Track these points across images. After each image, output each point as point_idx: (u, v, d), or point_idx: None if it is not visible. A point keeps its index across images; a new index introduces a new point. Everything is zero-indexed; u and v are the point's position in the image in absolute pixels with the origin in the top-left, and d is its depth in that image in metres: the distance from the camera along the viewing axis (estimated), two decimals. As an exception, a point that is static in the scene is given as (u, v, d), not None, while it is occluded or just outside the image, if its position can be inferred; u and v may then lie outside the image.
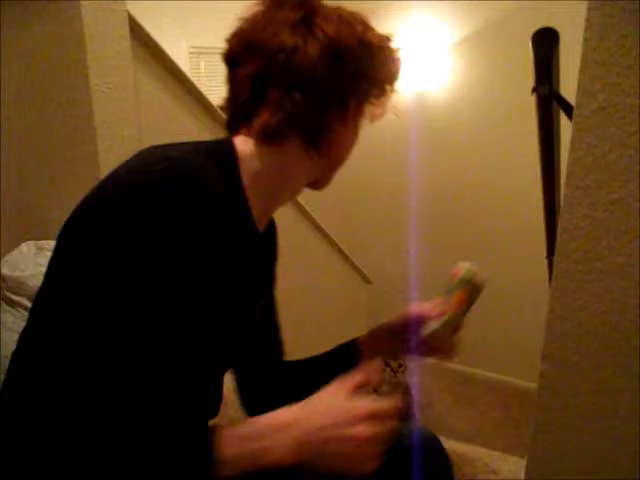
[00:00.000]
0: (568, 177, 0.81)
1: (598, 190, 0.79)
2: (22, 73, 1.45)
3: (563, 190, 0.83)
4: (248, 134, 0.76)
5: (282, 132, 0.73)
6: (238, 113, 0.78)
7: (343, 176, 3.36)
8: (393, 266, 3.88)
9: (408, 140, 3.63)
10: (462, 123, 3.50)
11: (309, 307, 2.82)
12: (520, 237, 3.27)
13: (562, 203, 0.83)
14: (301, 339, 2.74)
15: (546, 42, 0.87)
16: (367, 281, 3.53)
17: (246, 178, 0.73)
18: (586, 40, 0.75)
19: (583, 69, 0.76)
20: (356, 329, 3.52)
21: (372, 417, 0.61)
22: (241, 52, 0.76)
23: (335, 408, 0.62)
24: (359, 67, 0.75)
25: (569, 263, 0.84)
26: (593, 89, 0.76)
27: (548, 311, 0.89)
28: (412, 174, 3.62)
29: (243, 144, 0.75)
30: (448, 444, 1.37)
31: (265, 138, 0.74)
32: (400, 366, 2.64)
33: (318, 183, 0.85)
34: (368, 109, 0.84)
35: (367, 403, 0.63)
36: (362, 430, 0.60)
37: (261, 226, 0.80)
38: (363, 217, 4.06)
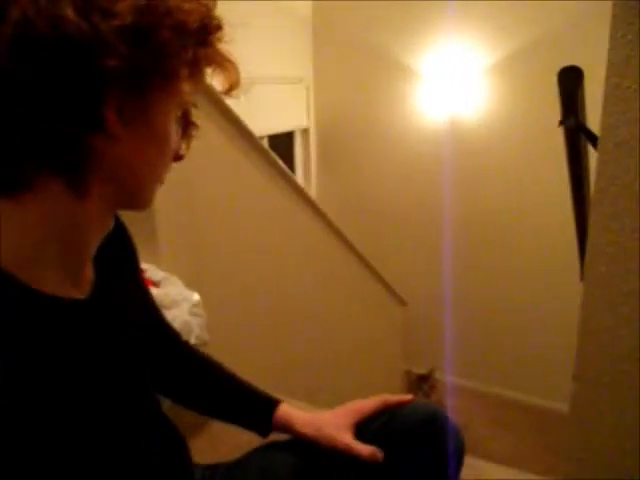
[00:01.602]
0: (594, 205, 0.85)
1: (623, 218, 0.83)
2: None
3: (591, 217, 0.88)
4: None
5: (19, 176, 0.48)
6: None
7: (378, 199, 3.44)
8: (428, 288, 3.90)
9: (442, 163, 3.68)
10: (495, 147, 3.53)
11: (347, 331, 2.87)
12: (555, 261, 3.26)
13: (589, 229, 0.88)
14: (339, 362, 2.78)
15: (571, 79, 0.92)
16: (403, 303, 3.56)
17: (14, 261, 0.49)
18: (608, 78, 0.80)
19: (606, 105, 0.80)
20: (393, 350, 3.55)
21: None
22: None
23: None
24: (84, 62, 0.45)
25: (596, 287, 0.88)
26: (616, 124, 0.80)
27: (578, 333, 0.93)
28: (446, 196, 3.66)
29: None
30: (484, 466, 1.39)
31: (0, 192, 0.49)
32: (432, 387, 2.66)
33: (132, 206, 0.61)
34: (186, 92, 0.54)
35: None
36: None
37: (84, 283, 0.59)
38: (398, 240, 4.10)
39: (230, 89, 0.59)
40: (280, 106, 3.81)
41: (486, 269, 3.71)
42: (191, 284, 1.47)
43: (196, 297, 1.38)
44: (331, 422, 0.86)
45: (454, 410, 3.09)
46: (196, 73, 0.53)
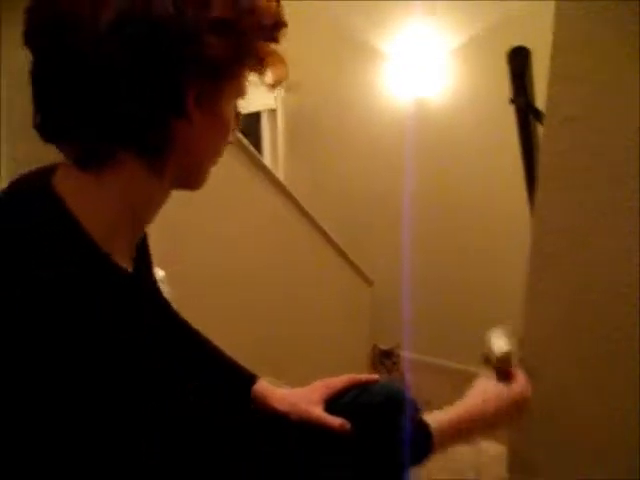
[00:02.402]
0: (540, 180, 0.90)
1: (566, 192, 0.88)
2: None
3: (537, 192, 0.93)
4: (65, 158, 0.56)
5: (104, 152, 0.53)
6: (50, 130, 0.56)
7: (345, 179, 3.46)
8: (394, 266, 3.96)
9: (406, 143, 3.71)
10: (459, 128, 3.58)
11: (311, 308, 2.91)
12: (517, 239, 3.34)
13: (536, 204, 0.93)
14: (306, 339, 2.83)
15: (519, 59, 0.96)
16: (369, 282, 3.62)
17: (97, 232, 0.53)
18: (553, 57, 0.84)
19: (551, 84, 0.85)
20: (359, 327, 3.61)
21: (528, 391, 0.90)
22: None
23: (509, 396, 0.89)
24: (186, 43, 0.50)
25: (542, 258, 0.93)
26: (560, 101, 0.85)
27: (525, 303, 0.98)
28: (411, 177, 3.71)
29: (66, 182, 0.54)
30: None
31: (85, 166, 0.54)
32: (395, 364, 2.73)
33: (187, 186, 0.66)
34: (246, 79, 0.61)
35: (521, 384, 0.90)
36: (528, 401, 0.90)
37: (130, 258, 0.63)
38: (363, 220, 4.15)
39: (275, 84, 0.64)
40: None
41: (450, 248, 3.79)
42: (158, 263, 1.48)
43: (161, 273, 1.40)
44: (304, 397, 0.91)
45: (417, 386, 3.17)
46: (259, 65, 0.59)
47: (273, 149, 4.35)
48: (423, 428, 0.81)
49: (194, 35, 0.50)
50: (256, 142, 4.19)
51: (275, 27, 0.58)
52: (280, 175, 4.07)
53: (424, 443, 0.81)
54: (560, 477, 1.04)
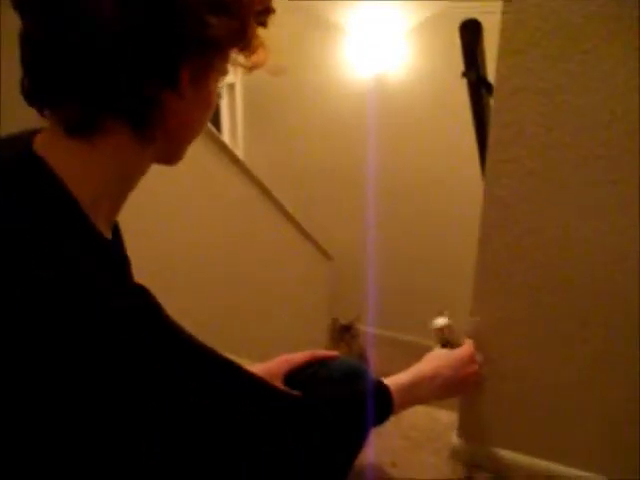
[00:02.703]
0: (489, 152, 0.91)
1: (514, 163, 0.90)
2: None
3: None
4: (52, 124, 0.56)
5: (95, 120, 0.54)
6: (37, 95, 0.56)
7: (305, 155, 3.44)
8: (353, 242, 3.99)
9: (366, 119, 3.72)
10: (418, 103, 3.61)
11: (271, 284, 2.92)
12: (475, 214, 3.41)
13: (486, 175, 0.94)
14: (265, 314, 2.83)
15: (471, 32, 0.97)
16: (328, 257, 3.64)
17: (83, 199, 0.53)
18: (502, 31, 0.85)
19: (500, 56, 0.86)
20: (318, 302, 3.64)
21: (471, 356, 1.00)
22: None
23: (452, 358, 0.99)
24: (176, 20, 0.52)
25: (491, 228, 0.95)
26: (508, 74, 0.86)
27: (475, 271, 1.01)
28: (370, 152, 3.73)
29: (51, 148, 0.54)
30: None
31: (75, 132, 0.54)
32: (354, 337, 2.77)
33: (167, 161, 0.67)
34: (233, 63, 0.64)
35: (463, 349, 1.01)
36: (473, 366, 1.00)
37: (110, 228, 0.63)
38: (322, 195, 4.15)
39: (253, 67, 0.66)
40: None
41: (409, 223, 3.84)
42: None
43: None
44: (264, 372, 0.94)
45: (376, 358, 3.23)
46: (248, 47, 0.61)
47: (232, 125, 4.29)
48: (383, 389, 0.86)
49: (195, 14, 0.52)
50: (214, 118, 4.13)
51: (265, 12, 0.62)
52: (239, 152, 4.03)
53: (385, 403, 0.85)
54: (506, 444, 1.09)
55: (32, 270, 0.45)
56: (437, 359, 0.99)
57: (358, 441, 0.79)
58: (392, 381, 0.89)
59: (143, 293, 0.51)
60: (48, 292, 0.44)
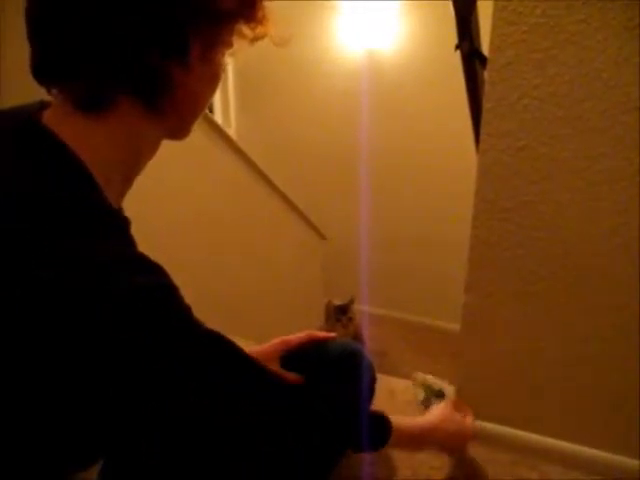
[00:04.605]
0: (483, 125, 0.90)
1: (508, 137, 0.89)
2: None
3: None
4: (61, 101, 0.56)
5: (106, 95, 0.54)
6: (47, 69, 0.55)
7: (297, 135, 3.38)
8: (347, 222, 3.99)
9: (359, 95, 3.68)
10: (412, 79, 3.57)
11: (266, 264, 2.91)
12: (470, 193, 3.40)
13: (479, 149, 0.93)
14: (260, 296, 2.84)
15: (464, 4, 0.94)
16: (322, 237, 3.63)
17: (98, 175, 0.53)
18: (496, 1, 0.83)
19: (494, 28, 0.84)
20: (313, 283, 3.64)
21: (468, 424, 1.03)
22: None
23: (456, 420, 0.99)
24: None
25: (484, 203, 0.95)
26: (502, 46, 0.85)
27: (469, 247, 1.00)
28: (364, 130, 3.70)
29: (61, 124, 0.54)
30: (399, 381, 1.50)
31: (86, 108, 0.54)
32: (350, 319, 2.76)
33: (176, 135, 0.67)
34: (238, 35, 0.63)
35: (467, 420, 1.03)
36: (469, 429, 1.02)
37: (121, 203, 0.65)
38: (316, 174, 4.13)
39: (257, 39, 0.65)
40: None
41: (403, 201, 3.82)
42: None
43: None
44: (260, 353, 0.94)
45: (374, 338, 3.24)
46: (254, 20, 0.62)
47: (224, 104, 4.24)
48: (384, 420, 0.83)
49: None
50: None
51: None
52: (231, 132, 3.99)
53: (382, 432, 0.83)
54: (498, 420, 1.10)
55: (51, 244, 0.44)
56: (445, 415, 0.99)
57: (351, 442, 0.78)
58: (396, 419, 0.86)
59: (162, 271, 0.52)
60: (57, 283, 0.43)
